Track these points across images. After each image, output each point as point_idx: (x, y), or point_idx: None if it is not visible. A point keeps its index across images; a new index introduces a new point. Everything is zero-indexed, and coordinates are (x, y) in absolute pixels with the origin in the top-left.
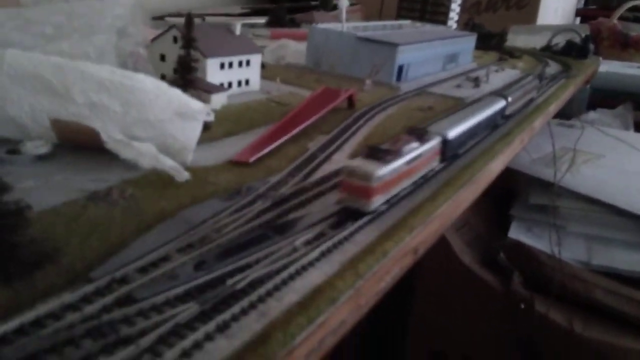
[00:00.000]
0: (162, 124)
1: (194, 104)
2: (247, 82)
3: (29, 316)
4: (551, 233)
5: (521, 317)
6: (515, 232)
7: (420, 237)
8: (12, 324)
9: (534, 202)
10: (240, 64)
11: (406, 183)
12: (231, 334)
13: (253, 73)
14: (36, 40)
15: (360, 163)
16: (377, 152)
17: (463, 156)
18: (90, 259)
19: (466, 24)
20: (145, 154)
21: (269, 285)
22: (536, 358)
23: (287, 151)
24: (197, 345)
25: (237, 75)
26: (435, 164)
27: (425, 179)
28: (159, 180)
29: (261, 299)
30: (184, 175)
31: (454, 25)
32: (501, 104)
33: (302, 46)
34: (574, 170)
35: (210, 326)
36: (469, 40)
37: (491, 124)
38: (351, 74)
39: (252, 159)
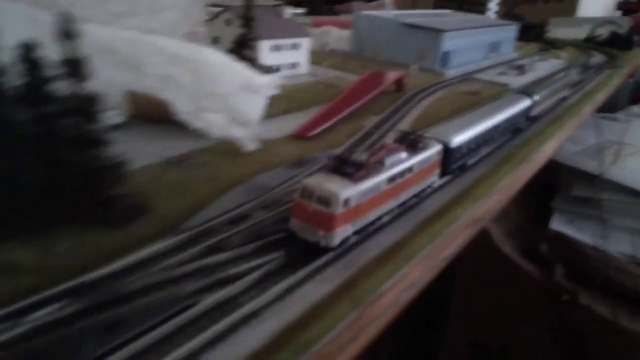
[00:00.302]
0: (230, 97)
1: (260, 78)
2: (296, 65)
3: (132, 259)
4: (596, 226)
5: (564, 308)
6: (557, 224)
7: (484, 207)
8: (117, 265)
9: (577, 195)
10: (290, 47)
11: (389, 206)
12: (320, 279)
13: (302, 56)
14: (109, 17)
15: (321, 180)
16: (347, 166)
17: (474, 168)
18: (178, 214)
19: (505, 16)
20: (216, 125)
21: (351, 240)
22: (578, 349)
23: (343, 128)
24: (290, 290)
25: (287, 58)
26: (434, 179)
27: (420, 199)
28: (228, 149)
29: (346, 252)
30: (252, 146)
31: (493, 17)
32: (525, 103)
33: (345, 33)
34: (619, 163)
35: (300, 274)
36: (512, 30)
37: (512, 128)
38: (395, 60)
39: (311, 134)
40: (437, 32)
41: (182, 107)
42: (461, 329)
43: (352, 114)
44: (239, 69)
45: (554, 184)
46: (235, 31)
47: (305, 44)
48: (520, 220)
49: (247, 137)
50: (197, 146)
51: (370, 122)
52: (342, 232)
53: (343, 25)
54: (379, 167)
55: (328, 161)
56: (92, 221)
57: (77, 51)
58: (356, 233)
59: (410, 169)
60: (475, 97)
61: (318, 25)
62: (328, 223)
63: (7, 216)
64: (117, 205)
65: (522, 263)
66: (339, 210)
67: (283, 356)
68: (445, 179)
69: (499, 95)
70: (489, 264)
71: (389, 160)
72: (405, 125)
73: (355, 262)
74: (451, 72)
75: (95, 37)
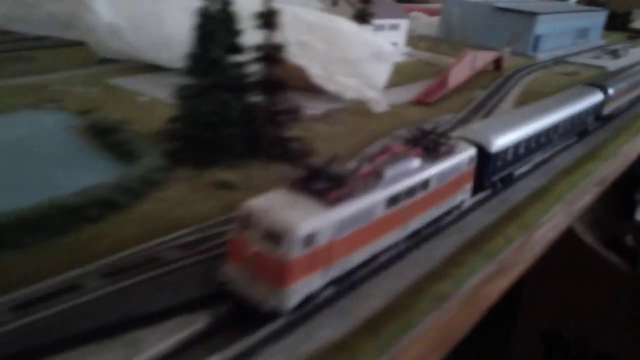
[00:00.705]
0: (359, 63)
1: (387, 47)
2: (394, 44)
3: None
4: None
5: None
6: None
7: (610, 168)
8: None
9: None
10: (390, 27)
11: (390, 239)
12: (485, 210)
13: (400, 37)
14: None
15: (273, 202)
16: (319, 179)
17: (525, 178)
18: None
19: (589, 4)
20: (350, 88)
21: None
22: None
23: (456, 98)
24: (467, 212)
25: (387, 37)
26: (463, 196)
27: (438, 228)
28: (360, 110)
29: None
30: (381, 108)
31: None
32: (596, 98)
33: (433, 20)
34: None
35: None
36: (600, 17)
37: (577, 129)
38: (485, 44)
39: (430, 100)
40: (531, 15)
41: (316, 71)
42: (533, 317)
43: (460, 87)
44: (368, 37)
45: (636, 177)
46: (340, 11)
47: (404, 25)
48: (601, 211)
49: (377, 100)
50: (333, 106)
51: (479, 94)
52: (303, 287)
53: (431, 13)
54: (372, 181)
55: (294, 172)
56: (272, 155)
57: (271, 5)
58: (335, 282)
59: (425, 184)
60: (574, 78)
61: (408, 11)
62: (276, 274)
63: (218, 144)
64: (291, 145)
65: (605, 253)
66: (295, 252)
67: (474, 259)
68: (481, 194)
69: (596, 76)
70: (569, 254)
71: (390, 171)
72: (513, 97)
73: (510, 199)
74: (542, 56)
75: (243, 5)
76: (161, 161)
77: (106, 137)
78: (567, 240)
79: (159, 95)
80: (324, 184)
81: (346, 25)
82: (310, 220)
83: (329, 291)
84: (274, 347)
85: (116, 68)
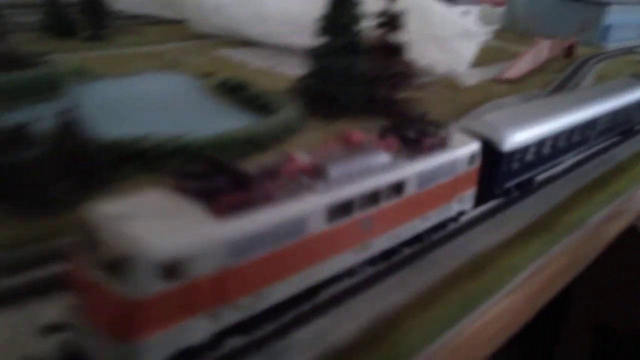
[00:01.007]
0: (449, 41)
1: (475, 26)
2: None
3: None
4: None
5: None
6: None
7: None
8: None
9: None
10: (463, 14)
11: (340, 263)
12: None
13: (471, 23)
14: None
15: (132, 209)
16: (221, 175)
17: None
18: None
19: None
20: (441, 62)
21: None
22: None
23: (537, 78)
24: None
25: None
26: (462, 206)
27: (424, 248)
28: (450, 84)
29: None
30: (471, 81)
31: None
32: None
33: (495, 10)
34: None
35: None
36: None
37: (621, 127)
38: (550, 34)
39: (512, 78)
40: (602, 5)
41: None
42: (588, 312)
43: (538, 70)
44: (457, 17)
45: None
46: None
47: (475, 12)
48: None
49: (465, 75)
50: (424, 79)
51: (557, 75)
52: (170, 340)
53: (496, 3)
54: (307, 181)
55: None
56: (387, 113)
57: None
58: (240, 329)
59: (397, 187)
60: None
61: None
62: (119, 320)
63: (343, 100)
64: (403, 105)
65: None
66: (149, 287)
67: (579, 212)
68: (490, 204)
69: None
70: (626, 248)
71: (337, 168)
72: (590, 79)
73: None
74: (610, 46)
75: None
76: (297, 112)
77: (236, 93)
78: (624, 234)
79: (262, 65)
80: (221, 183)
81: (437, 6)
82: (177, 238)
83: (236, 342)
84: None
85: (216, 42)
